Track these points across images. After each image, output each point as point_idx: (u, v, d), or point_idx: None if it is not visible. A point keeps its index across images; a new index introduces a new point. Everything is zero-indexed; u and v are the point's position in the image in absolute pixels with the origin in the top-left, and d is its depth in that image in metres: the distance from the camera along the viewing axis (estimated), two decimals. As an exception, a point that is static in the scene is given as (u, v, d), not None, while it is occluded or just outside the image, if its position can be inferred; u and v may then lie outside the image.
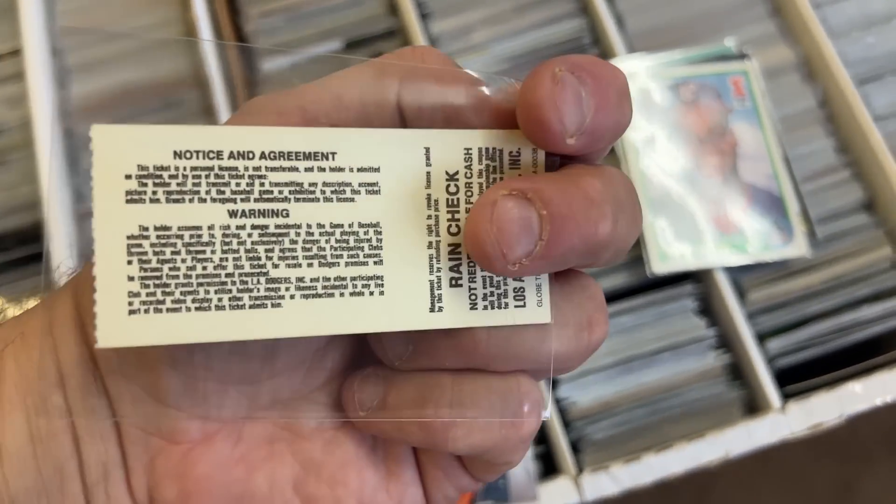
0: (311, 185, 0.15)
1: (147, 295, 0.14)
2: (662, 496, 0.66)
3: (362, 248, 0.15)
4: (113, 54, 0.52)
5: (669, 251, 0.43)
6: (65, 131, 0.50)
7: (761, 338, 0.44)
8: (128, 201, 0.14)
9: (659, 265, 0.43)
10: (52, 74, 0.52)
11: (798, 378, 0.44)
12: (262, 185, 0.15)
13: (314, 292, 0.15)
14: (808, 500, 0.65)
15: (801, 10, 0.49)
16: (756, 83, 0.47)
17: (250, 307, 0.15)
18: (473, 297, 0.16)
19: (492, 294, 0.16)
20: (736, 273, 0.45)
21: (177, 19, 0.53)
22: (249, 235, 0.15)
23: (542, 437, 0.44)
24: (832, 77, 0.48)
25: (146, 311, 0.14)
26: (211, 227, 0.14)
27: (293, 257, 0.15)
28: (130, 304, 0.14)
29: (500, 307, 0.16)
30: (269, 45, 0.51)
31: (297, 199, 0.15)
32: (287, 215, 0.15)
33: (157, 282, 0.14)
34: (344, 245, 0.15)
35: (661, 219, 0.44)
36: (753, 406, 0.44)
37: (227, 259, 0.15)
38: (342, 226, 0.15)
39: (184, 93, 0.51)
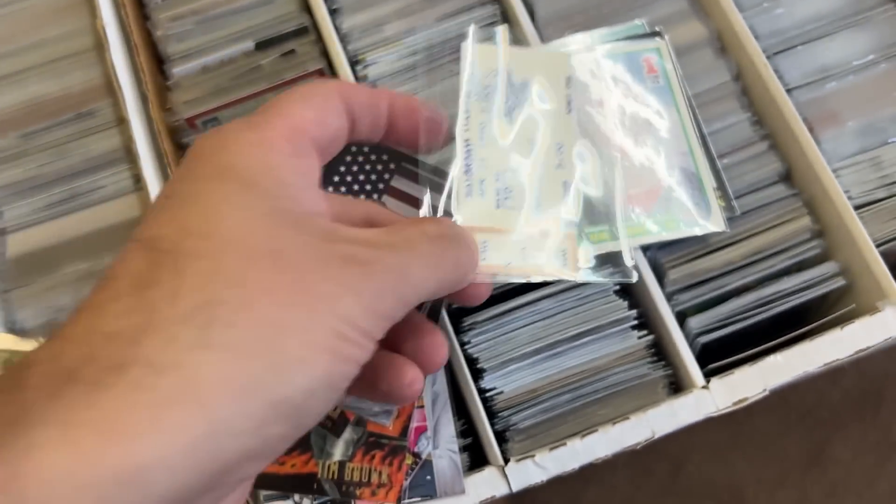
0: None
1: None
2: (637, 475, 0.66)
3: None
4: (19, 68, 0.51)
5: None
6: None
7: (682, 316, 0.44)
8: None
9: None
10: (-40, 92, 0.51)
11: (725, 354, 0.44)
12: None
13: None
14: (782, 467, 0.66)
15: (711, -15, 0.49)
16: (668, 60, 0.47)
17: None
18: None
19: None
20: (655, 252, 0.45)
21: (86, 29, 0.52)
22: None
23: (469, 430, 0.43)
24: (744, 50, 0.48)
25: None
26: None
27: None
28: None
29: None
30: (179, 49, 0.50)
31: None
32: None
33: None
34: None
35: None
36: (678, 385, 0.44)
37: None
38: None
39: (96, 103, 0.51)
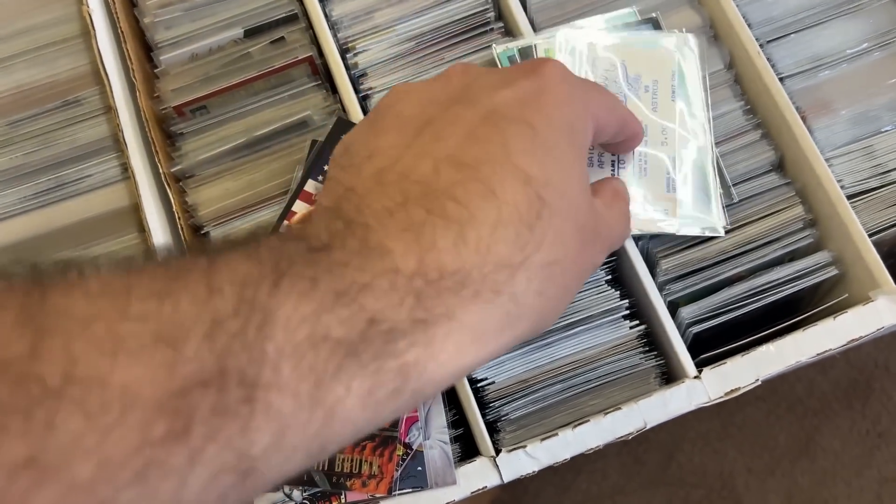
0: None
1: None
2: (628, 464, 0.66)
3: None
4: (4, 55, 0.50)
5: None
6: (-41, 138, 0.49)
7: (674, 306, 0.44)
8: None
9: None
10: (-56, 79, 0.50)
11: (717, 344, 0.43)
12: None
13: None
14: (772, 456, 0.66)
15: (704, -27, 0.48)
16: (682, 52, 0.46)
17: None
18: None
19: None
20: (647, 241, 0.44)
21: (73, 15, 0.52)
22: None
23: (461, 421, 0.43)
24: (737, 38, 0.47)
25: None
26: None
27: None
28: None
29: None
30: (167, 37, 0.50)
31: None
32: None
33: None
34: None
35: None
36: (670, 375, 0.44)
37: None
38: None
39: (83, 91, 0.50)
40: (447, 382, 0.25)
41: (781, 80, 0.47)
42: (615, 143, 0.39)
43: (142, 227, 0.46)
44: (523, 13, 0.48)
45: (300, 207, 0.42)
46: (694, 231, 0.43)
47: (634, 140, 0.40)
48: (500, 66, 0.46)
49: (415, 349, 0.23)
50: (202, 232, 0.45)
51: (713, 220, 0.44)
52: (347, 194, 0.28)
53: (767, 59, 0.47)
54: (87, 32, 0.50)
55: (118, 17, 0.50)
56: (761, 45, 0.47)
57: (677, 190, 0.44)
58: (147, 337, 0.20)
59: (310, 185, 0.43)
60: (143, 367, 0.19)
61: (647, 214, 0.43)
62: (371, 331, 0.23)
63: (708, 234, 0.44)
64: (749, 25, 0.47)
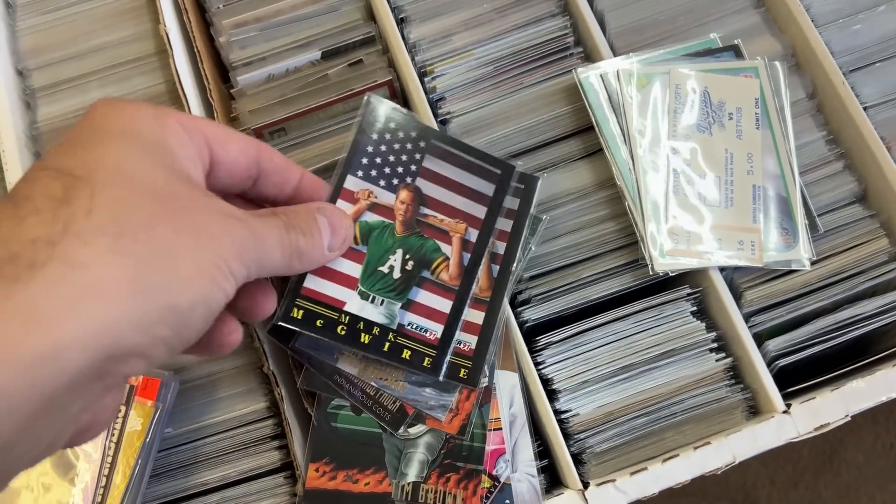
0: None
1: None
2: None
3: None
4: (80, 72, 0.50)
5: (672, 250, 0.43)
6: (34, 155, 0.49)
7: (760, 338, 0.43)
8: None
9: (661, 264, 0.42)
10: (18, 96, 0.50)
11: (800, 377, 0.43)
12: None
13: None
14: (795, 469, 0.66)
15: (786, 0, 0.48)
16: (765, 80, 0.46)
17: None
18: None
19: None
20: (731, 272, 0.44)
21: (147, 33, 0.51)
22: None
23: (545, 452, 0.43)
24: (820, 67, 0.47)
25: None
26: None
27: None
28: None
29: None
30: (242, 56, 0.50)
31: None
32: None
33: None
34: None
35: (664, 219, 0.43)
36: (756, 409, 0.43)
37: None
38: None
39: (157, 110, 0.50)
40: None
41: (865, 109, 0.46)
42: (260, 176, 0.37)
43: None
44: (603, 38, 0.48)
45: (343, 206, 0.41)
46: (781, 264, 0.43)
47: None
48: (581, 91, 0.46)
49: None
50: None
51: (799, 252, 0.43)
52: None
53: (851, 87, 0.46)
54: (162, 51, 0.50)
55: (194, 36, 0.49)
56: (845, 74, 0.47)
57: (761, 221, 0.43)
58: None
59: (350, 182, 0.41)
60: None
61: (733, 245, 0.43)
62: None
63: (794, 266, 0.43)
64: (832, 53, 0.47)
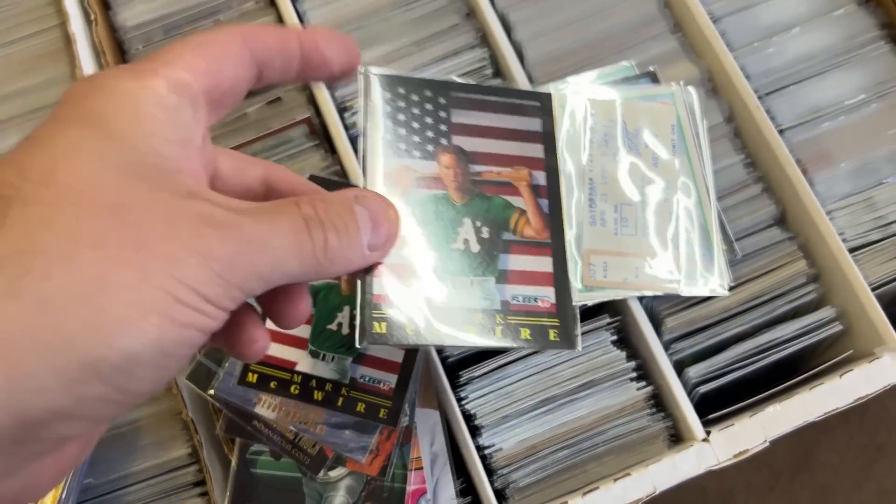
0: None
1: None
2: None
3: None
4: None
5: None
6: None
7: (682, 365, 0.43)
8: None
9: (579, 297, 0.42)
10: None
11: (726, 402, 0.43)
12: None
13: None
14: (771, 472, 0.67)
15: (701, 25, 0.48)
16: (681, 106, 0.46)
17: None
18: None
19: None
20: (650, 300, 0.44)
21: (66, 77, 0.51)
22: None
23: (469, 489, 0.43)
24: (735, 91, 0.47)
25: None
26: None
27: None
28: None
29: None
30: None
31: None
32: None
33: None
34: None
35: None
36: (678, 436, 0.43)
37: None
38: None
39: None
40: None
41: (781, 132, 0.47)
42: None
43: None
44: (521, 68, 0.48)
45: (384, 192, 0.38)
46: (697, 291, 0.43)
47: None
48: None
49: None
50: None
51: (715, 279, 0.43)
52: None
53: (766, 111, 0.46)
54: (80, 94, 0.50)
55: (112, 79, 0.49)
56: (760, 98, 0.47)
57: (679, 247, 0.43)
58: None
59: (381, 165, 0.36)
60: None
61: (652, 273, 0.43)
62: None
63: (709, 293, 0.43)
64: (748, 77, 0.47)
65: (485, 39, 0.50)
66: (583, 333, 0.43)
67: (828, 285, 0.45)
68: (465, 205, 0.36)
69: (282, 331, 0.37)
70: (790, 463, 0.67)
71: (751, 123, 0.47)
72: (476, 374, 0.43)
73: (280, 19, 0.50)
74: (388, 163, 0.36)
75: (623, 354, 0.43)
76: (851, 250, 0.44)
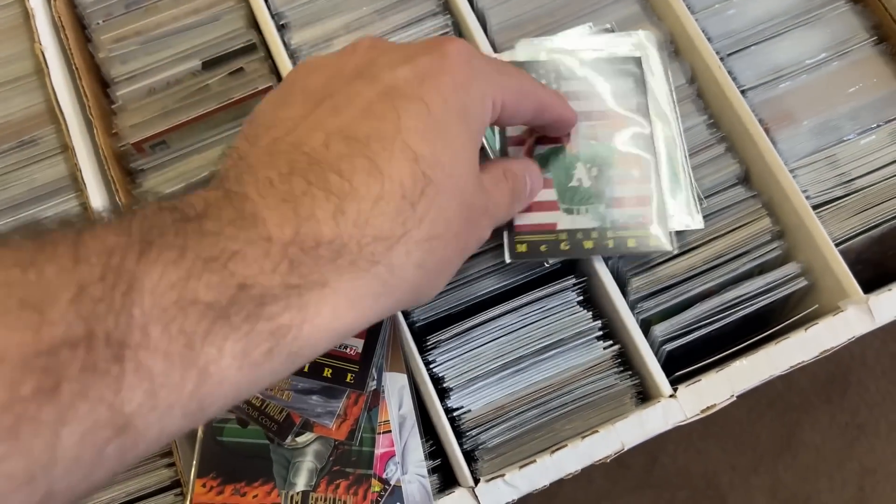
0: None
1: None
2: (613, 468, 0.66)
3: None
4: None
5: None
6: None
7: (647, 324, 0.44)
8: None
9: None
10: None
11: (690, 360, 0.43)
12: None
13: None
14: (755, 453, 0.67)
15: (663, -12, 0.49)
16: (651, 57, 0.46)
17: None
18: None
19: None
20: (616, 260, 0.44)
21: (26, 53, 0.51)
22: None
23: (438, 451, 0.43)
24: (697, 53, 0.47)
25: None
26: None
27: None
28: None
29: None
30: (123, 71, 0.49)
31: None
32: None
33: None
34: None
35: None
36: (645, 394, 0.43)
37: None
38: None
39: (38, 130, 0.49)
40: (325, 344, 0.26)
41: (743, 92, 0.47)
42: (542, 126, 0.41)
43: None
44: (483, 35, 0.48)
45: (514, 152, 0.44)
46: (674, 226, 0.43)
47: (561, 123, 0.41)
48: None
49: (289, 313, 0.25)
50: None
51: (686, 217, 0.44)
52: (237, 163, 0.29)
53: (728, 72, 0.47)
54: (40, 70, 0.49)
55: (72, 54, 0.49)
56: (722, 59, 0.47)
57: (654, 189, 0.43)
58: (11, 302, 0.20)
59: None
60: (7, 330, 0.20)
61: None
62: (241, 295, 0.24)
63: (681, 228, 0.43)
64: (709, 39, 0.48)
65: (447, 6, 0.50)
66: (548, 295, 0.43)
67: (792, 242, 0.45)
68: (575, 153, 0.43)
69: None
70: (773, 444, 0.67)
71: (713, 84, 0.47)
72: (443, 337, 0.43)
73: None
74: (515, 128, 0.44)
75: (589, 314, 0.43)
76: (815, 207, 0.45)
